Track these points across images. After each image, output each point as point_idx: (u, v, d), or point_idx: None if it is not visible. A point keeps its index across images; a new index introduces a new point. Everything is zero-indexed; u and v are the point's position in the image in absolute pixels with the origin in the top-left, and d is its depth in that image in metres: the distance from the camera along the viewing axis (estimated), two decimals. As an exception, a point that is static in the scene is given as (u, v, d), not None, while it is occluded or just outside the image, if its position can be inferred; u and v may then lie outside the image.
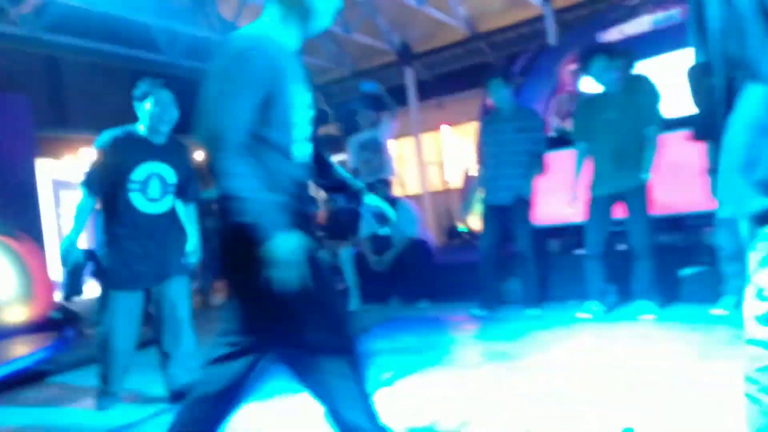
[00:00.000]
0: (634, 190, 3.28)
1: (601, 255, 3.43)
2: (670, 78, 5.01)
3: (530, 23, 6.73)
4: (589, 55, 3.42)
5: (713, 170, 3.15)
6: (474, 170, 4.04)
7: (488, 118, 3.96)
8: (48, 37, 5.84)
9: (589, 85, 4.89)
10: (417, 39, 7.36)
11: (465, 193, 4.13)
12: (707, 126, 3.56)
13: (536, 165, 3.72)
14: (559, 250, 4.42)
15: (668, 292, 3.58)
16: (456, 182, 7.98)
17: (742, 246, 3.23)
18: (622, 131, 3.29)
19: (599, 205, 3.39)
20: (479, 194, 4.01)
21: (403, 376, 2.65)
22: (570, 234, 4.43)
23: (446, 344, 3.30)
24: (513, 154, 3.71)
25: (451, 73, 7.76)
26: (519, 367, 2.60)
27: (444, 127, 9.20)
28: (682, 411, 1.87)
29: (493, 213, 3.84)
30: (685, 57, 4.23)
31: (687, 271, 3.59)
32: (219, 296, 6.74)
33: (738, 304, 3.08)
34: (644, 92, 3.37)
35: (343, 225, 5.47)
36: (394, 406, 2.26)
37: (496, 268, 3.96)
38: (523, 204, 3.72)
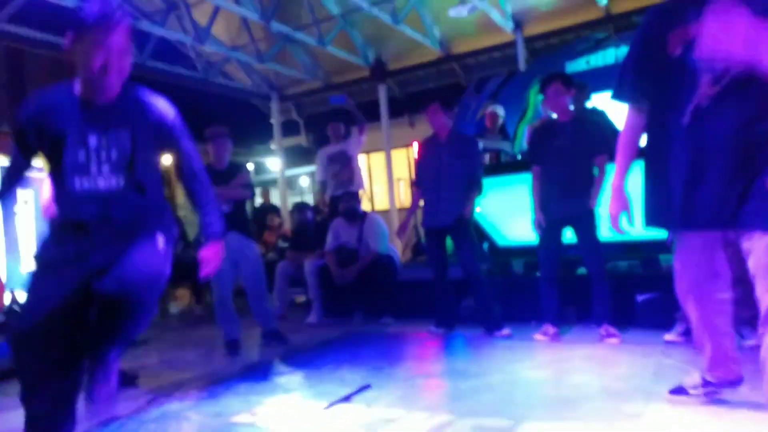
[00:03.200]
0: (581, 216, 3.40)
1: (554, 278, 3.52)
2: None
3: (501, 48, 6.91)
4: (546, 81, 3.56)
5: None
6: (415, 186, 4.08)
7: (426, 143, 4.02)
8: (11, 28, 5.65)
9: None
10: (391, 56, 7.44)
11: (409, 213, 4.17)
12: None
13: (474, 188, 3.81)
14: (522, 271, 4.49)
15: (625, 316, 3.68)
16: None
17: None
18: (572, 158, 3.42)
19: (549, 228, 3.49)
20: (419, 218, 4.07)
21: (362, 391, 2.62)
22: (533, 255, 4.52)
23: (407, 360, 3.29)
24: (451, 178, 3.79)
25: (423, 92, 7.86)
26: (479, 387, 2.61)
27: (415, 145, 9.29)
28: (635, 434, 1.91)
29: (435, 235, 3.90)
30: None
31: (643, 297, 3.69)
32: (178, 303, 6.57)
33: (689, 331, 3.19)
34: (596, 123, 3.52)
35: (309, 237, 5.42)
36: (353, 420, 2.23)
37: (449, 288, 3.99)
38: (464, 226, 3.78)
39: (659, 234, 3.46)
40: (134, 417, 2.58)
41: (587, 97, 5.05)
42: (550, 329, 3.52)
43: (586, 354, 3.10)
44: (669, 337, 3.20)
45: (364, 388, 2.69)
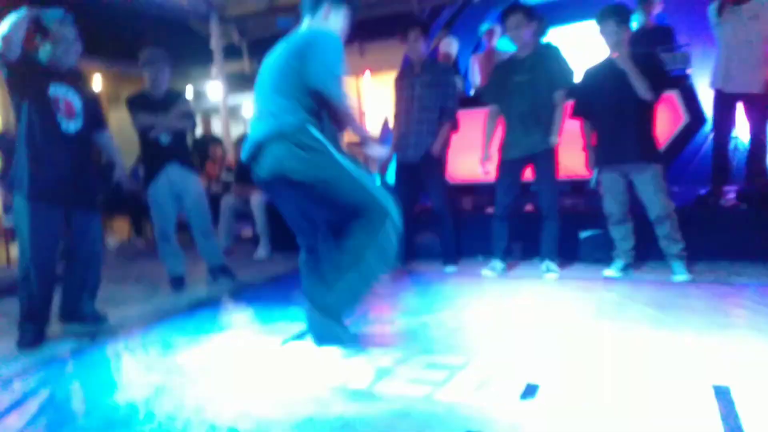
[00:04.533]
0: (542, 153, 3.39)
1: (507, 216, 3.56)
2: (583, 46, 5.21)
3: (457, -24, 6.60)
4: (507, 11, 3.43)
5: (588, 146, 3.36)
6: (390, 124, 3.96)
7: (401, 72, 3.88)
8: None
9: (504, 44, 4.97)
10: (341, -22, 6.98)
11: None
12: (583, 105, 3.79)
13: (446, 122, 3.68)
14: (470, 208, 4.54)
15: (568, 252, 3.83)
16: (375, 131, 7.88)
17: (626, 212, 3.46)
18: (532, 94, 3.36)
19: (509, 167, 3.48)
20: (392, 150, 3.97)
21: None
22: (481, 192, 4.57)
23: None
24: (422, 110, 3.65)
25: (374, 19, 7.49)
26: (430, 323, 2.66)
27: (365, 74, 8.97)
28: (580, 366, 2.01)
29: (403, 171, 3.81)
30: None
31: (585, 234, 3.83)
32: (115, 236, 6.28)
33: (626, 268, 3.36)
34: (553, 58, 3.47)
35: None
36: (306, 358, 2.23)
37: (409, 224, 3.98)
38: (434, 162, 3.68)
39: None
40: (76, 356, 2.48)
41: (543, 32, 4.97)
42: (498, 265, 3.62)
43: (531, 290, 3.22)
44: (608, 272, 3.36)
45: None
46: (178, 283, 3.71)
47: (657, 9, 4.31)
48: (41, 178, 2.65)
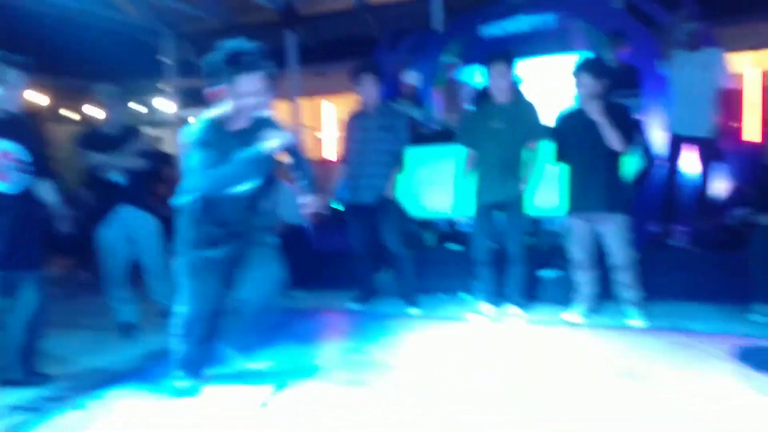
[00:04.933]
0: (514, 199, 3.41)
1: (489, 261, 3.52)
2: (544, 80, 5.31)
3: (418, 4, 6.65)
4: (491, 60, 3.40)
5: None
6: (341, 161, 3.90)
7: (355, 114, 3.86)
8: None
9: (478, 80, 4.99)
10: (302, 1, 6.90)
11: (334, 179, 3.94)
12: (562, 150, 3.80)
13: (397, 164, 3.70)
14: (432, 243, 4.53)
15: (529, 291, 3.86)
16: (334, 156, 7.79)
17: (591, 256, 3.50)
18: (510, 142, 3.38)
19: (483, 212, 3.48)
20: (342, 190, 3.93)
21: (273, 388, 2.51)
22: (443, 227, 4.56)
23: (321, 349, 3.18)
24: (376, 152, 3.65)
25: (335, 42, 7.44)
26: (399, 382, 2.59)
27: (325, 101, 8.90)
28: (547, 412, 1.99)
29: (357, 211, 3.77)
30: (557, 61, 4.37)
31: (546, 274, 3.88)
32: (55, 268, 5.88)
33: (588, 312, 3.41)
34: (526, 105, 3.50)
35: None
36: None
37: (369, 264, 3.96)
38: (387, 203, 3.68)
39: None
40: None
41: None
42: (489, 308, 3.55)
43: (492, 335, 3.22)
44: (568, 316, 3.40)
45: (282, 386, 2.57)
46: (128, 329, 3.49)
47: (624, 49, 4.42)
48: None
